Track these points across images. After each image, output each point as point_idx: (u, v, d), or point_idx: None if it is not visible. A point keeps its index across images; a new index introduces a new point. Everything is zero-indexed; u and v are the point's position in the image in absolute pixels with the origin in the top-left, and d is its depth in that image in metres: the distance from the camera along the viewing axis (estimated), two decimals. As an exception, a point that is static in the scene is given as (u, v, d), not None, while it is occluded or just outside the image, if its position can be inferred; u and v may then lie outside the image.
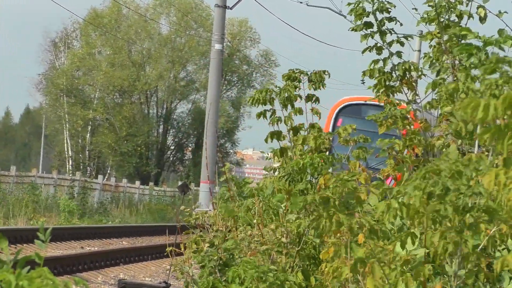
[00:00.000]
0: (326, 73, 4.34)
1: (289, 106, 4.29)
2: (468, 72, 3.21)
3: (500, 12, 4.17)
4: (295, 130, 4.30)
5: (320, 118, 4.31)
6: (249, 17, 39.17)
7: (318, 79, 4.32)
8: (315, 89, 4.34)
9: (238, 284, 3.27)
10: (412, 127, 3.78)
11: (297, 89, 4.30)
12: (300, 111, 4.30)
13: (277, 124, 4.29)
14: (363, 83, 4.33)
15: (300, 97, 4.31)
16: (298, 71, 4.32)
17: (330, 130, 9.59)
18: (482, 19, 4.06)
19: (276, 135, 4.29)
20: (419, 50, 20.91)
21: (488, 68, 2.70)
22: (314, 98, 4.35)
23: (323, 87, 4.34)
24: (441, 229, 2.35)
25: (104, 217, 18.25)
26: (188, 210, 4.40)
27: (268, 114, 4.28)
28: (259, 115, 4.29)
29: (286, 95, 4.23)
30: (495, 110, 1.83)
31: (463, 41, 3.67)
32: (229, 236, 3.86)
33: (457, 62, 3.75)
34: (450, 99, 3.44)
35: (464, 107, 1.87)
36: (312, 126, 4.30)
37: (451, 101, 3.44)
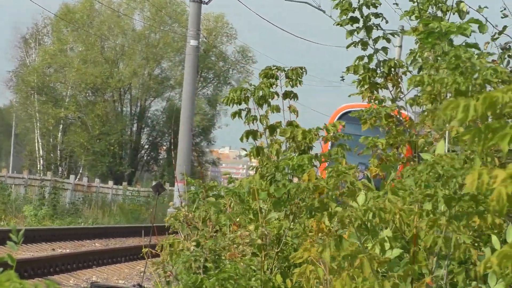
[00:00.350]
0: (303, 69, 4.24)
1: (265, 105, 4.17)
2: (433, 64, 3.15)
3: (480, 7, 4.12)
4: (272, 128, 4.19)
5: (297, 116, 4.22)
6: (226, 12, 38.99)
7: (295, 76, 4.19)
8: (292, 86, 4.25)
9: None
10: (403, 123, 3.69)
11: (274, 86, 4.20)
12: (277, 109, 4.23)
13: (253, 123, 4.20)
14: (343, 79, 4.22)
15: (277, 94, 4.21)
16: (275, 67, 4.24)
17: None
18: (462, 14, 4.00)
19: (252, 134, 4.18)
20: (400, 46, 21.11)
21: (451, 65, 2.67)
22: (292, 95, 4.24)
23: (299, 84, 4.25)
24: (432, 218, 2.27)
25: (76, 218, 17.86)
26: (177, 207, 4.26)
27: (244, 113, 4.19)
28: (234, 115, 4.21)
29: (260, 94, 4.09)
30: (475, 111, 1.76)
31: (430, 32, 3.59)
32: (214, 235, 3.74)
33: (439, 58, 3.69)
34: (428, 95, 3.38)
35: (444, 108, 1.84)
36: (290, 123, 4.19)
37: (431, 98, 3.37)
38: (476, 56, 2.90)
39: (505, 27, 4.15)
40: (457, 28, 3.25)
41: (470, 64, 2.80)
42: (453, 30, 3.23)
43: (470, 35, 3.31)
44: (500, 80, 2.86)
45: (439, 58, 3.36)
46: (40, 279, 8.09)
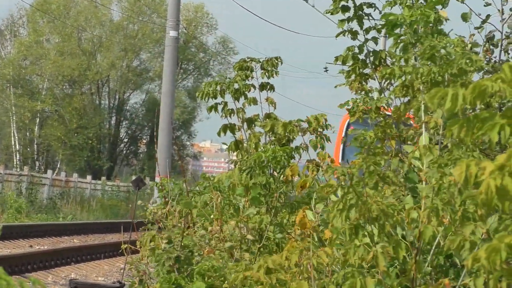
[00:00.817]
0: (278, 60, 4.17)
1: (241, 98, 4.08)
2: (402, 56, 3.09)
3: (462, -5, 4.08)
4: (250, 121, 4.11)
5: (275, 108, 4.14)
6: (205, 1, 38.45)
7: (270, 67, 4.10)
8: (268, 77, 4.17)
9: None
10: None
11: (250, 78, 4.09)
12: (254, 101, 4.14)
13: (230, 116, 4.11)
14: (326, 70, 4.13)
15: (254, 86, 4.12)
16: (249, 59, 4.15)
17: (342, 137, 9.92)
18: (444, 3, 3.96)
19: (229, 128, 4.10)
20: (386, 36, 21.10)
21: (425, 56, 2.60)
22: (268, 87, 4.17)
23: (276, 74, 4.15)
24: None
25: (54, 214, 17.58)
26: (145, 204, 4.18)
27: (220, 107, 4.09)
28: (210, 109, 4.13)
29: (236, 87, 3.98)
30: (463, 100, 1.71)
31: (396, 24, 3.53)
32: (187, 232, 3.65)
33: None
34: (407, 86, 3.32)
35: (431, 97, 1.78)
36: (268, 116, 4.11)
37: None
38: (448, 44, 2.84)
39: (488, 16, 4.12)
40: (420, 17, 3.18)
41: (445, 53, 2.74)
42: (417, 20, 3.16)
43: (437, 23, 3.26)
44: (475, 69, 2.81)
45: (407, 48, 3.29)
46: (17, 276, 7.95)
